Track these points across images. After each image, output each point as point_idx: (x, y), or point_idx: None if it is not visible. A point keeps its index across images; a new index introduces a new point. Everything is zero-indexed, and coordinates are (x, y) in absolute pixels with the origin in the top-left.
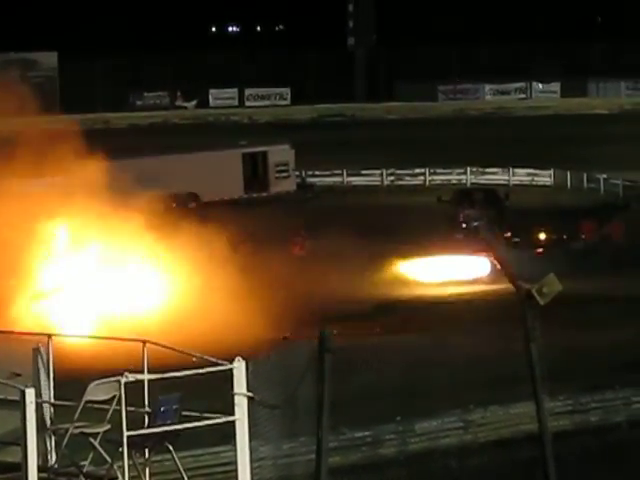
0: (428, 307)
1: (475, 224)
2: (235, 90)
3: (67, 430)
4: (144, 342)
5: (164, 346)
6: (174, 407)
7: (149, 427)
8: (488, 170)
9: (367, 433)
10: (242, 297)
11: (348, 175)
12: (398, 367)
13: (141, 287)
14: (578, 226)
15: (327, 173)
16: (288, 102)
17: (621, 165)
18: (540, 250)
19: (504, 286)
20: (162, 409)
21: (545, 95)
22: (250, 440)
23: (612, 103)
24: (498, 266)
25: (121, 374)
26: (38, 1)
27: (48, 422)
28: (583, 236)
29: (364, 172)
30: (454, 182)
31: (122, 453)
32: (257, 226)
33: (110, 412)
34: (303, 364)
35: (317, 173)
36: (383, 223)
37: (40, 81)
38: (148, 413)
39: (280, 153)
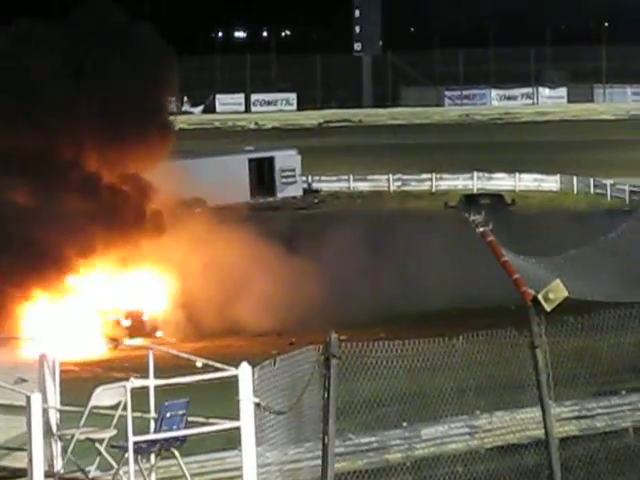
0: (432, 313)
1: (481, 229)
2: (242, 95)
3: (73, 435)
4: (149, 349)
5: (169, 353)
6: (180, 412)
7: (155, 432)
8: (495, 175)
9: (373, 439)
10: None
11: (354, 180)
12: (404, 373)
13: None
14: None
15: (333, 179)
16: (294, 107)
17: (628, 171)
18: None
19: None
20: (168, 414)
21: (552, 100)
22: (256, 445)
23: (618, 109)
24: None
25: (127, 379)
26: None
27: (54, 428)
28: None
29: (370, 177)
30: (461, 187)
31: (128, 458)
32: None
33: (116, 418)
34: (309, 370)
35: (323, 178)
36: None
37: None
38: (154, 418)
39: (286, 158)
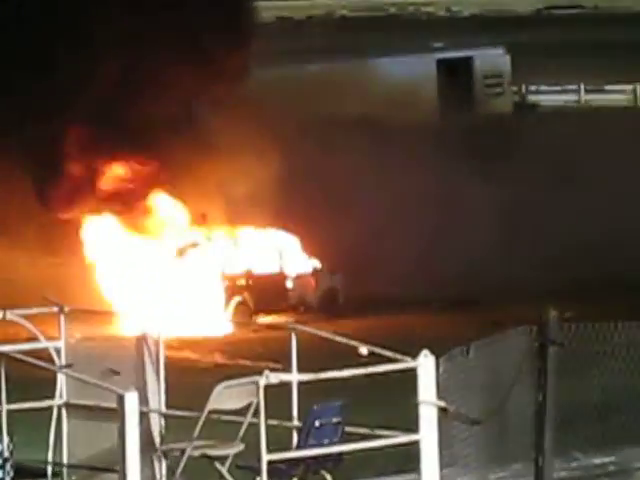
0: None
1: None
2: None
3: (184, 451)
4: (292, 329)
5: (320, 334)
6: (334, 420)
7: (299, 448)
8: None
9: (609, 459)
10: None
11: (586, 92)
12: None
13: None
14: None
15: (557, 89)
16: None
17: None
18: None
19: None
20: (317, 423)
21: None
22: (442, 467)
23: None
24: None
25: (259, 373)
26: None
27: (157, 439)
28: None
29: (609, 87)
30: None
31: None
32: None
33: (244, 427)
34: (516, 361)
35: (543, 89)
36: None
37: None
38: (298, 428)
39: (491, 60)
